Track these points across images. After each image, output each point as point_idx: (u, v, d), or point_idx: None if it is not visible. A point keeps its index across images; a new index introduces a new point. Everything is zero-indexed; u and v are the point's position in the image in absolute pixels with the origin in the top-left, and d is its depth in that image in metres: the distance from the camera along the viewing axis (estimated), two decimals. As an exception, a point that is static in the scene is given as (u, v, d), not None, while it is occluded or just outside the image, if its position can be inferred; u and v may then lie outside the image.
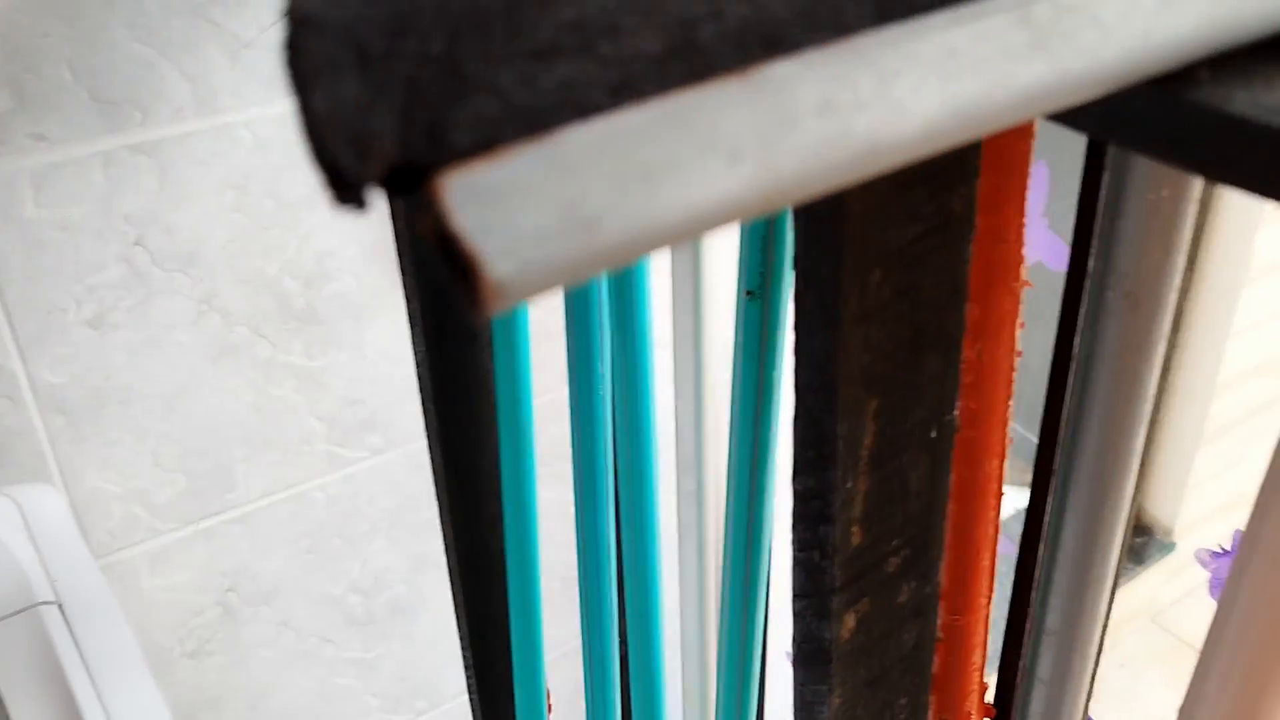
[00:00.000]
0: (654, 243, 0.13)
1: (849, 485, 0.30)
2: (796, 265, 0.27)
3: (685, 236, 0.13)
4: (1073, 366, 0.30)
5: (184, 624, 0.85)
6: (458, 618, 0.71)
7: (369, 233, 0.80)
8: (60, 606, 0.58)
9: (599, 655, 0.69)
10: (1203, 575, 2.09)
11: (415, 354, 0.61)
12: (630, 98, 0.13)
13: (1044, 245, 0.70)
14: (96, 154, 0.68)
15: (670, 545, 0.61)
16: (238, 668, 0.90)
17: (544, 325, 0.90)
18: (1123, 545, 0.33)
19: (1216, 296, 1.70)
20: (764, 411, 0.43)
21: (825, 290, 0.27)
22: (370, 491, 0.90)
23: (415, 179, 0.13)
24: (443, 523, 0.67)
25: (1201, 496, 1.99)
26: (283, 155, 0.74)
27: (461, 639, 0.72)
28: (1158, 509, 2.01)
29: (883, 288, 0.27)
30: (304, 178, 0.76)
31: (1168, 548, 2.02)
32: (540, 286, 0.12)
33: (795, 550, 0.32)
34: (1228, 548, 0.75)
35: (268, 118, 0.73)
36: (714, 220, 0.14)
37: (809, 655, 0.34)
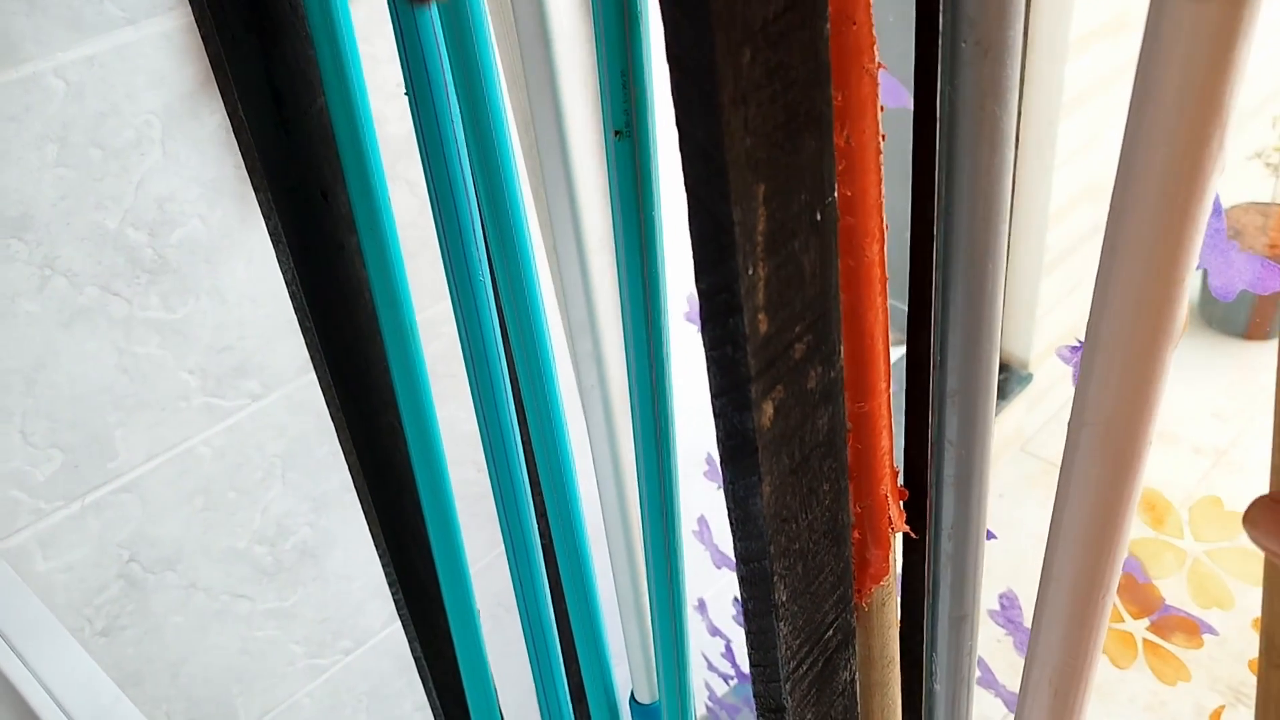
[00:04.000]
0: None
1: (750, 272, 0.31)
2: (670, 55, 0.28)
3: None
4: (939, 122, 0.32)
5: (89, 603, 0.82)
6: (374, 536, 0.71)
7: (208, 170, 0.77)
8: (-41, 589, 0.56)
9: (523, 551, 0.69)
10: (1063, 398, 2.22)
11: (284, 272, 0.60)
12: None
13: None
14: (-103, 122, 0.64)
15: (577, 422, 0.61)
16: (153, 638, 0.88)
17: (407, 245, 0.89)
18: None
19: (1037, 127, 1.79)
20: (649, 251, 0.44)
21: (702, 75, 0.27)
22: (257, 438, 0.88)
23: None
24: (342, 442, 0.66)
25: (1049, 326, 2.11)
26: (101, 100, 0.71)
27: (381, 557, 0.72)
28: (1011, 343, 2.12)
29: (754, 67, 0.28)
30: (128, 121, 0.72)
31: (1025, 379, 2.13)
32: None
33: (708, 350, 0.34)
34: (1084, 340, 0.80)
35: (77, 61, 0.69)
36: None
37: (735, 450, 0.35)
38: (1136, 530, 0.88)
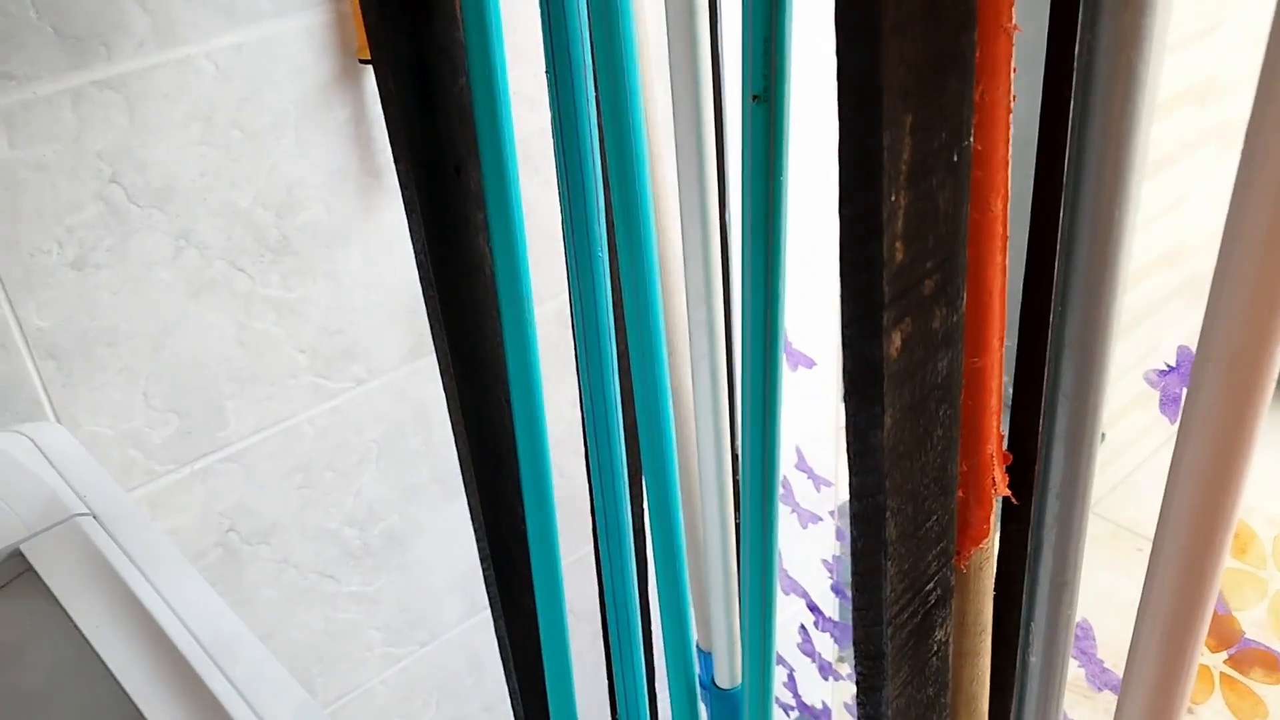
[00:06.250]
0: None
1: (893, 199, 0.34)
2: (838, -15, 0.31)
3: None
4: (1075, 73, 0.34)
5: (189, 566, 0.86)
6: (471, 509, 0.73)
7: (335, 159, 0.82)
8: (95, 517, 0.60)
9: (614, 520, 0.71)
10: (1137, 459, 2.19)
11: (414, 242, 0.63)
12: None
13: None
14: (65, 91, 0.69)
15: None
16: (243, 609, 0.91)
17: (541, 227, 0.93)
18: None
19: (1121, 186, 1.79)
20: (774, 217, 0.47)
21: (867, 1, 0.30)
22: (357, 422, 0.92)
23: None
24: (451, 413, 0.69)
25: (1124, 387, 2.10)
26: (245, 85, 0.76)
27: (476, 531, 0.74)
28: (1084, 403, 2.10)
29: (913, 1, 0.31)
30: (267, 107, 0.77)
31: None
32: None
33: (844, 277, 0.36)
34: (1173, 364, 0.80)
35: (227, 47, 0.74)
36: None
37: (861, 379, 0.38)
38: (1219, 561, 0.88)
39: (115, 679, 0.53)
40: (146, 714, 0.52)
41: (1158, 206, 1.89)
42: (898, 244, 0.35)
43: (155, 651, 0.54)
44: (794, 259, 0.75)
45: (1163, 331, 2.08)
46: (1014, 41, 0.37)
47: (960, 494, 0.46)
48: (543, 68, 0.55)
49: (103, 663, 0.54)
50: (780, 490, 1.20)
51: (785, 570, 1.23)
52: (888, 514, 0.41)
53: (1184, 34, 1.74)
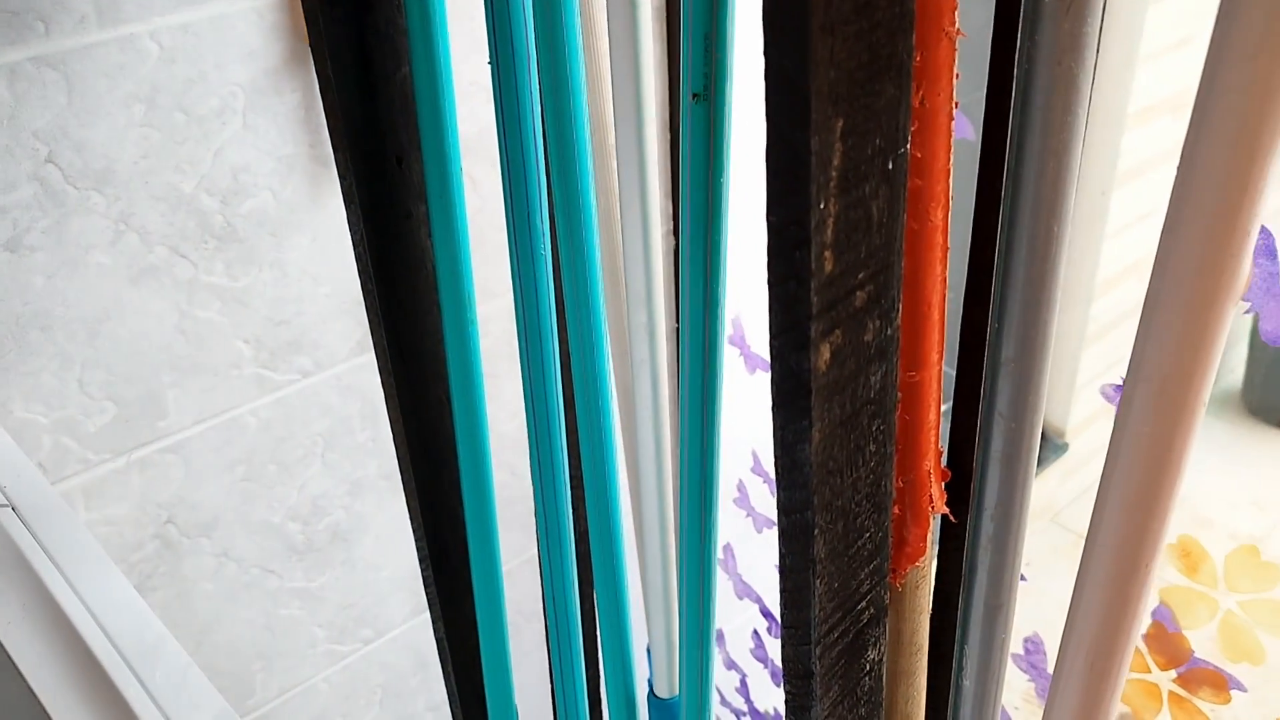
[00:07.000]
0: None
1: (822, 207, 0.32)
2: (766, -18, 0.29)
3: None
4: (1014, 81, 0.33)
5: (124, 559, 0.84)
6: (410, 509, 0.72)
7: (284, 145, 0.79)
8: (14, 509, 0.58)
9: (555, 533, 0.70)
10: (1098, 471, 2.20)
11: (352, 234, 0.61)
12: None
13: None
14: (0, 67, 0.66)
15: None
16: (181, 603, 0.89)
17: (500, 220, 0.91)
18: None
19: (1089, 195, 1.79)
20: (714, 218, 0.46)
21: (794, 1, 0.29)
22: (303, 415, 0.90)
23: None
24: (390, 411, 0.68)
25: (1089, 397, 2.10)
26: (191, 66, 0.73)
27: (415, 531, 0.72)
28: (1049, 412, 2.11)
29: (844, 1, 0.30)
30: (214, 89, 0.75)
31: (1061, 449, 2.12)
32: None
33: (772, 287, 0.35)
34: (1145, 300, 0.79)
35: (173, 27, 0.72)
36: None
37: (789, 393, 0.36)
38: (1169, 577, 0.88)
39: (24, 679, 0.51)
40: (54, 716, 0.50)
41: (1130, 216, 1.89)
42: (827, 253, 0.33)
43: (68, 653, 0.52)
44: (755, 261, 0.73)
45: (1129, 345, 2.08)
46: (958, 47, 0.36)
47: (896, 510, 0.45)
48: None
49: (12, 662, 0.52)
50: (735, 495, 1.19)
51: (740, 575, 1.22)
52: (816, 531, 0.39)
53: (1158, 45, 1.74)
